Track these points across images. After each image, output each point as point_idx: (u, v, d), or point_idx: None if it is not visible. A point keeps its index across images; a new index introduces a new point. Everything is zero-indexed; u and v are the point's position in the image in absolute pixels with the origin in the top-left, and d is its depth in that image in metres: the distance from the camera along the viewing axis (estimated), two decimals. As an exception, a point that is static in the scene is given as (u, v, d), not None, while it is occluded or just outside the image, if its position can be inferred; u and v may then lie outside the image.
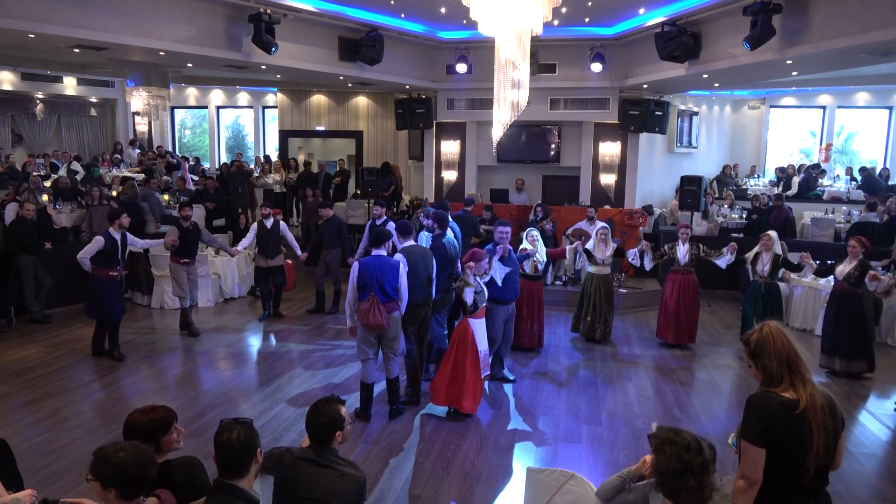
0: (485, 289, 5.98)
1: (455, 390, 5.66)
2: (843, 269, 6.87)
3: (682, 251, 7.94)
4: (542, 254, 7.36)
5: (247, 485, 2.48)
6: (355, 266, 5.51)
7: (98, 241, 6.94)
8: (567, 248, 8.26)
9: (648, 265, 8.07)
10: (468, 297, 5.73)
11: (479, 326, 5.86)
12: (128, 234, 7.32)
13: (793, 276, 8.06)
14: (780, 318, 7.66)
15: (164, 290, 9.55)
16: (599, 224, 9.08)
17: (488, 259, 6.09)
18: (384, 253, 5.60)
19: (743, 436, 2.51)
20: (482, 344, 5.89)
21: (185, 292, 8.14)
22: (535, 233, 7.32)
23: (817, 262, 7.38)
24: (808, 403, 2.45)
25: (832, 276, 7.18)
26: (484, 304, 5.95)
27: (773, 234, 7.57)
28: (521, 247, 7.31)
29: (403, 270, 5.59)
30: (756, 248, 7.59)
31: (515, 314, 7.05)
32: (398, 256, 5.73)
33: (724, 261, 7.75)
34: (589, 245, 8.15)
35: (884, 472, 5.00)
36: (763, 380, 2.57)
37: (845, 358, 6.92)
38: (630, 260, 8.15)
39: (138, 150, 15.81)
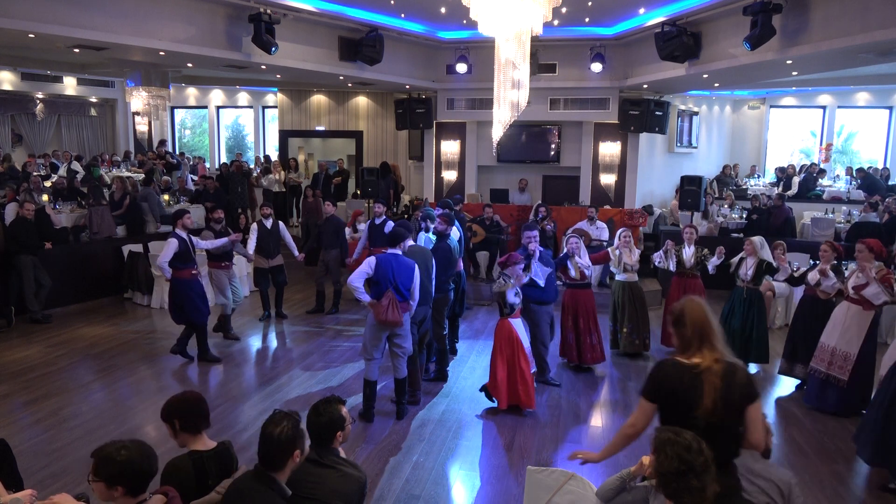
0: (520, 291, 6.07)
1: (517, 388, 5.85)
2: (815, 275, 6.37)
3: (689, 253, 7.62)
4: (585, 258, 7.04)
5: (282, 478, 2.57)
6: (372, 260, 5.48)
7: (172, 244, 6.83)
8: (609, 249, 7.87)
9: (673, 266, 7.71)
10: (511, 296, 5.89)
11: (518, 325, 5.99)
12: (191, 235, 7.20)
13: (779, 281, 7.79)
14: (764, 325, 7.21)
15: (163, 290, 9.54)
16: (582, 223, 8.90)
17: (526, 263, 6.19)
18: (399, 252, 5.61)
19: (640, 391, 2.89)
20: (525, 341, 6.01)
21: (228, 298, 8.01)
22: (575, 238, 7.01)
23: (804, 266, 7.26)
24: (706, 367, 2.73)
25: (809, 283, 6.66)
26: (520, 306, 6.05)
27: (755, 239, 7.12)
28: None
29: (417, 272, 5.61)
30: (740, 254, 7.21)
31: (573, 327, 7.08)
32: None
33: (711, 264, 7.47)
34: (616, 251, 7.65)
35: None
36: (678, 346, 2.88)
37: (805, 363, 6.44)
38: (656, 262, 7.83)
39: (166, 150, 15.85)
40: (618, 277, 7.67)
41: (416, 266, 5.64)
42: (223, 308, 8.05)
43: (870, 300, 5.64)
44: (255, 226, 8.86)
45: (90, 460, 2.36)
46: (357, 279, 5.44)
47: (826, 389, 5.95)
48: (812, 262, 7.51)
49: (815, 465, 5.00)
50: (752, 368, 7.30)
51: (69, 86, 16.59)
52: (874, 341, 5.83)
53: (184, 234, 6.98)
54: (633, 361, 7.63)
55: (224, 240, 7.68)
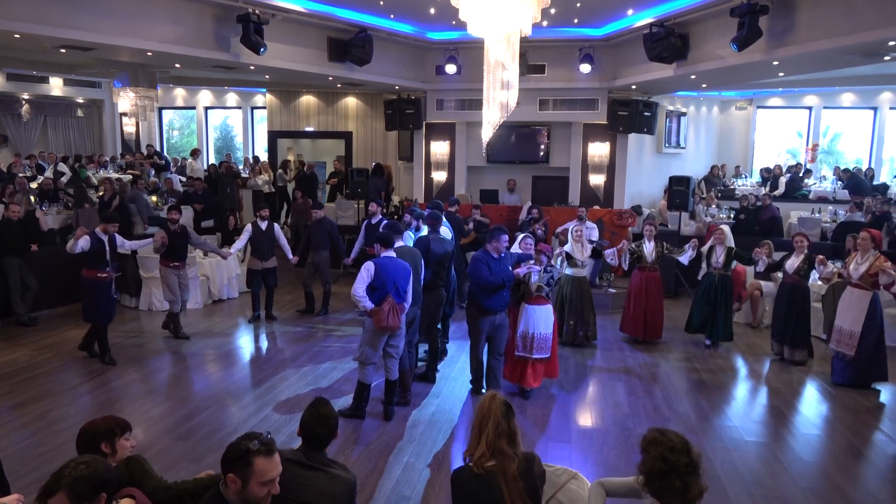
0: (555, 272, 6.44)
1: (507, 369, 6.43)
2: (793, 263, 7.32)
3: (649, 248, 8.10)
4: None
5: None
6: (370, 266, 5.41)
7: (83, 240, 6.82)
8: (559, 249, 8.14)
9: (626, 265, 8.22)
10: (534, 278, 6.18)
11: (531, 312, 6.26)
12: (116, 235, 7.22)
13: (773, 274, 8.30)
14: (731, 308, 8.07)
15: (152, 293, 9.48)
16: (572, 223, 9.04)
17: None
18: (394, 254, 5.60)
19: None
20: (530, 327, 6.25)
21: (176, 296, 8.00)
22: (531, 240, 6.73)
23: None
24: (501, 470, 2.69)
25: (782, 271, 7.58)
26: (541, 294, 6.28)
27: (725, 228, 7.99)
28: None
29: (411, 273, 5.61)
30: (710, 242, 7.98)
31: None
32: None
33: (685, 257, 8.05)
34: (567, 247, 8.02)
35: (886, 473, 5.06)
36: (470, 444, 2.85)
37: (790, 346, 7.44)
38: (608, 260, 8.22)
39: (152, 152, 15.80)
40: (567, 272, 8.00)
41: (410, 267, 5.64)
42: (171, 306, 8.04)
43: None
44: (248, 227, 8.82)
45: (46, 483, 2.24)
46: (360, 289, 5.38)
47: (839, 364, 6.80)
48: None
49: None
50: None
51: (55, 86, 16.43)
52: (877, 320, 6.59)
53: (102, 236, 6.95)
54: (578, 350, 7.96)
55: (147, 241, 7.85)
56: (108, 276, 7.04)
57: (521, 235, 6.86)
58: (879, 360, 6.62)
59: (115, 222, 7.22)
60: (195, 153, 16.31)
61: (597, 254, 8.23)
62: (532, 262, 6.26)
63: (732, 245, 7.88)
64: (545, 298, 6.35)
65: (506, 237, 6.03)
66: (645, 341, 8.22)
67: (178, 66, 11.81)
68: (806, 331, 7.46)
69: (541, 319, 6.26)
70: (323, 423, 2.79)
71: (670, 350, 8.07)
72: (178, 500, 2.83)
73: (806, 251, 7.27)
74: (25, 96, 16.42)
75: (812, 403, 6.49)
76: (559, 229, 10.58)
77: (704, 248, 8.00)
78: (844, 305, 6.77)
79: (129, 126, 16.90)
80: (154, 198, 12.34)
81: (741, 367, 7.56)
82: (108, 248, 6.99)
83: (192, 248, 8.96)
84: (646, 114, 12.27)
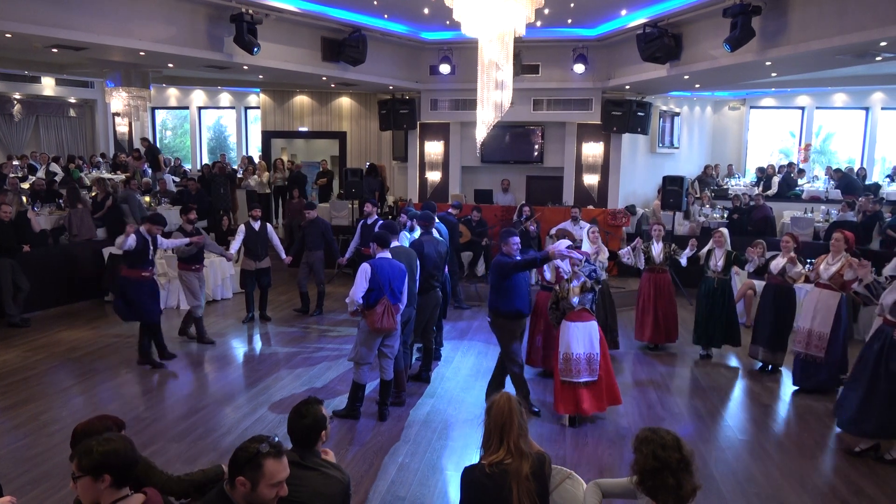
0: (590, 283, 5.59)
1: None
2: (778, 263, 7.06)
3: (657, 249, 7.90)
4: (566, 264, 5.82)
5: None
6: (367, 268, 5.36)
7: (131, 238, 6.70)
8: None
9: (641, 264, 7.94)
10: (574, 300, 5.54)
11: (571, 329, 5.56)
12: (158, 236, 7.16)
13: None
14: (734, 311, 7.70)
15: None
16: (588, 225, 8.93)
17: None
18: (389, 255, 5.59)
19: None
20: (572, 347, 5.54)
21: (200, 301, 7.90)
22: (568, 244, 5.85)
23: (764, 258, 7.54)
24: (512, 469, 2.66)
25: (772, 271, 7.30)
26: (583, 307, 5.57)
27: (724, 231, 7.71)
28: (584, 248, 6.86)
29: (406, 274, 5.60)
30: (709, 245, 7.69)
31: (543, 330, 6.67)
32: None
33: (683, 257, 7.81)
34: (586, 248, 7.39)
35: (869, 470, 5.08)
36: (483, 441, 2.81)
37: (770, 349, 7.19)
38: (624, 260, 7.95)
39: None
40: None
41: (406, 268, 5.64)
42: (194, 311, 7.92)
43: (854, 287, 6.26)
44: (241, 227, 8.78)
45: (70, 465, 2.31)
46: (359, 293, 5.33)
47: (807, 368, 6.56)
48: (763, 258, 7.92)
49: (799, 437, 5.09)
50: (732, 360, 7.42)
51: (47, 86, 16.34)
52: (844, 321, 6.45)
53: (147, 235, 6.94)
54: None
55: (184, 240, 7.54)
56: (150, 276, 7.05)
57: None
58: (844, 360, 6.51)
59: (161, 224, 7.13)
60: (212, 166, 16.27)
61: (613, 256, 7.98)
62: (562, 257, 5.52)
63: (730, 248, 7.61)
64: (589, 313, 5.62)
65: (516, 238, 5.72)
66: (661, 347, 8.00)
67: (170, 65, 11.75)
68: (787, 334, 7.19)
69: (583, 337, 5.56)
70: (297, 421, 2.79)
71: (665, 350, 8.08)
72: (185, 494, 2.85)
73: (792, 252, 6.97)
74: (17, 96, 16.33)
75: (805, 402, 6.51)
76: (553, 230, 10.58)
77: (703, 252, 7.72)
78: (811, 306, 6.51)
79: (121, 126, 16.80)
80: (147, 198, 12.28)
81: (736, 366, 7.59)
82: (151, 247, 6.98)
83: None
84: (639, 114, 12.30)
